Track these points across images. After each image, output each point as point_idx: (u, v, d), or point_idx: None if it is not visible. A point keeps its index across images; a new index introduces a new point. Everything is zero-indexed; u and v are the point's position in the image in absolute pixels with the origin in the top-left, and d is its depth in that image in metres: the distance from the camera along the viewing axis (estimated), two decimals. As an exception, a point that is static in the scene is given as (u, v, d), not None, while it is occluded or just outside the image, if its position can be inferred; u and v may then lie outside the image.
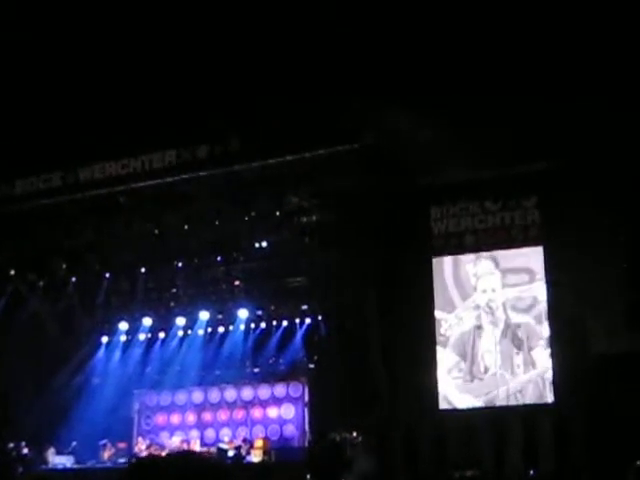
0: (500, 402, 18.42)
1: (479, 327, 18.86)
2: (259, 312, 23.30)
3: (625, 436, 15.96)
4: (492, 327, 18.69)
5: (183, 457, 2.00)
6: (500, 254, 18.98)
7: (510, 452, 17.62)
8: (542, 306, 18.43)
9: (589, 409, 17.10)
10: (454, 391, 18.85)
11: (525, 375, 18.32)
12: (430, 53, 16.70)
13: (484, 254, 19.10)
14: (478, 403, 18.64)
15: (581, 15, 15.64)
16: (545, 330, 18.34)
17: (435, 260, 19.46)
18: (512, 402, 18.33)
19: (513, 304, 18.68)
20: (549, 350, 18.16)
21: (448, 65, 16.72)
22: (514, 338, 18.50)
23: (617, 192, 17.51)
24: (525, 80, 16.57)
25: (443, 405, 18.84)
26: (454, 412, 18.77)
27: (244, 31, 17.21)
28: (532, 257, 18.71)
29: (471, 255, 19.25)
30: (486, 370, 18.63)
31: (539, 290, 18.54)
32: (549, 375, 18.11)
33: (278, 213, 20.19)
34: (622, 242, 17.63)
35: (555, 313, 18.15)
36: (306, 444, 21.54)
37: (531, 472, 17.27)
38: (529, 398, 18.25)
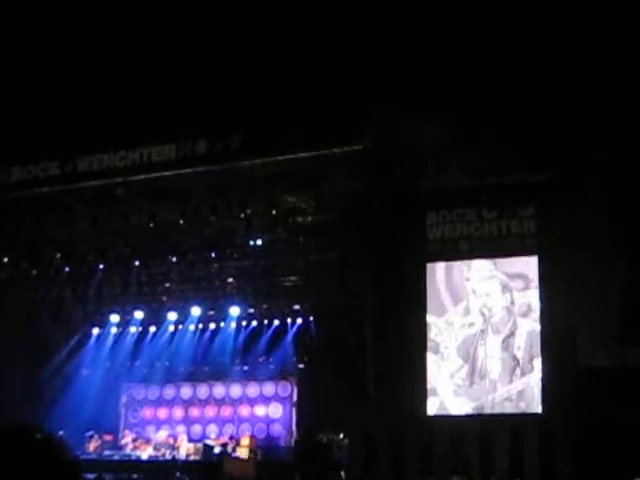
0: (488, 409, 18.40)
1: (483, 331, 18.77)
2: (251, 310, 23.31)
3: (611, 451, 15.98)
4: (495, 333, 18.60)
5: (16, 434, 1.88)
6: (495, 260, 18.97)
7: (496, 461, 17.64)
8: (535, 315, 18.42)
9: (576, 422, 17.11)
10: (451, 396, 18.78)
11: (515, 383, 18.27)
12: (434, 57, 16.72)
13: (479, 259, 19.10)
14: (469, 408, 18.59)
15: (583, 20, 15.67)
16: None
17: (429, 265, 19.44)
18: (499, 409, 18.30)
19: (519, 310, 18.64)
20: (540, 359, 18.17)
21: (451, 70, 16.73)
22: (517, 346, 18.42)
23: (615, 206, 17.53)
24: (526, 90, 16.59)
25: (438, 410, 18.79)
26: (442, 418, 18.76)
27: (245, 27, 17.21)
28: (527, 264, 18.70)
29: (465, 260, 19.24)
30: (485, 376, 18.58)
31: (533, 297, 18.53)
32: (539, 385, 18.08)
33: (274, 212, 20.18)
34: (618, 257, 17.63)
35: (547, 323, 18.15)
36: (292, 444, 21.54)
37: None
38: (518, 407, 18.24)
